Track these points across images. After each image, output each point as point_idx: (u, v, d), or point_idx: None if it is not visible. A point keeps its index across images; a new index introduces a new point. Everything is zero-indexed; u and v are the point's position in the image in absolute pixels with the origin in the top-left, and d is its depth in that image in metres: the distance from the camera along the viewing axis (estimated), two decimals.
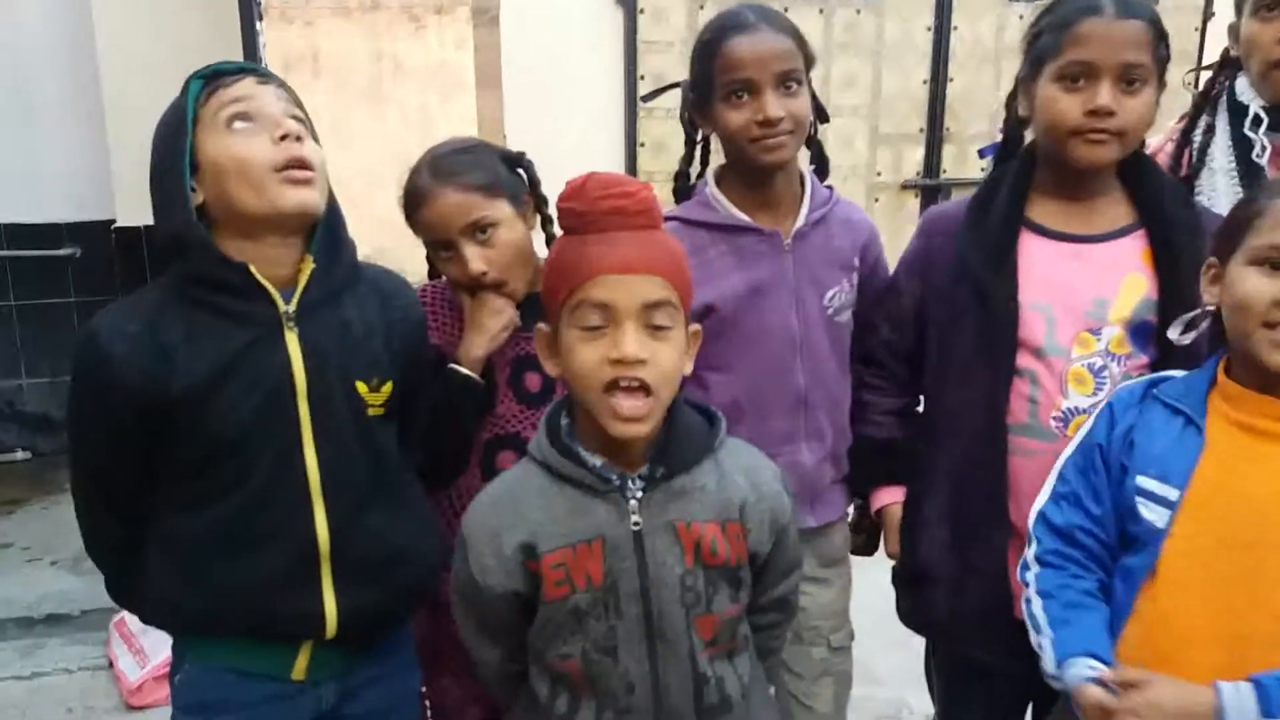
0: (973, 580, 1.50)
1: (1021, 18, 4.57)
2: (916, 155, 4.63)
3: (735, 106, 1.58)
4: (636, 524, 1.17)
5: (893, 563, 1.75)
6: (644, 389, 1.12)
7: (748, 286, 1.64)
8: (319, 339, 1.32)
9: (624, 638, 1.18)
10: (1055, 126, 1.43)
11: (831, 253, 1.70)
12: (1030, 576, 1.37)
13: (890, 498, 1.71)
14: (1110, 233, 1.48)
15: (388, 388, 1.39)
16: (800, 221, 1.68)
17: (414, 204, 1.59)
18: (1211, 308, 1.29)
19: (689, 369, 1.22)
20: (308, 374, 1.30)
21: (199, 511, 1.31)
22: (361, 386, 1.36)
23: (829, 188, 1.76)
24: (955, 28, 4.48)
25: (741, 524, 1.22)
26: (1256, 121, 1.57)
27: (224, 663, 1.35)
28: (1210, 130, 1.65)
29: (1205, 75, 1.76)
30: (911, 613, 1.70)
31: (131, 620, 2.88)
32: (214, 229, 1.30)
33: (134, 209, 4.17)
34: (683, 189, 1.79)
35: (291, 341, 1.30)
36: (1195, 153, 1.65)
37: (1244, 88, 1.62)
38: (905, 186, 4.60)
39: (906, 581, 1.69)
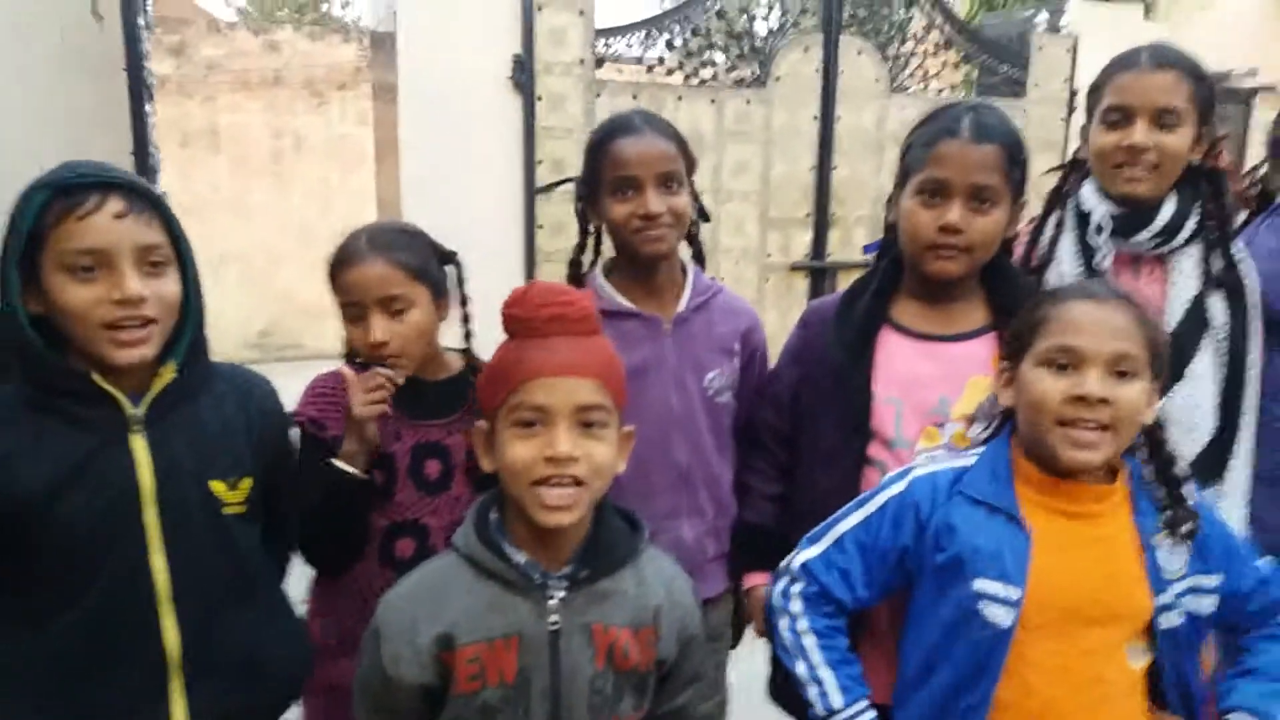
0: None
1: (903, 108, 4.86)
2: (805, 238, 4.82)
3: (620, 201, 1.69)
4: (554, 623, 1.19)
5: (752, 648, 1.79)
6: (574, 481, 1.16)
7: (629, 367, 1.69)
8: (170, 441, 1.30)
9: None
10: (912, 239, 1.54)
11: (712, 338, 1.80)
12: (796, 607, 1.41)
13: (759, 580, 1.74)
14: (965, 334, 1.57)
15: (247, 484, 1.37)
16: (681, 307, 1.78)
17: (341, 264, 1.60)
18: (1004, 407, 1.38)
19: (621, 467, 1.26)
20: (156, 477, 1.28)
21: (42, 627, 1.25)
22: (218, 485, 1.34)
23: (713, 278, 1.88)
24: (839, 117, 4.73)
25: (655, 630, 1.26)
26: (1100, 229, 1.68)
27: None
28: (1060, 225, 1.77)
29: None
30: (778, 691, 1.74)
31: None
32: (62, 330, 1.26)
33: None
34: (575, 276, 1.89)
35: (139, 445, 1.28)
36: (1046, 245, 1.77)
37: (1088, 195, 1.74)
38: (794, 268, 4.79)
39: (776, 660, 1.72)
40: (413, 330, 1.59)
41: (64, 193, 1.22)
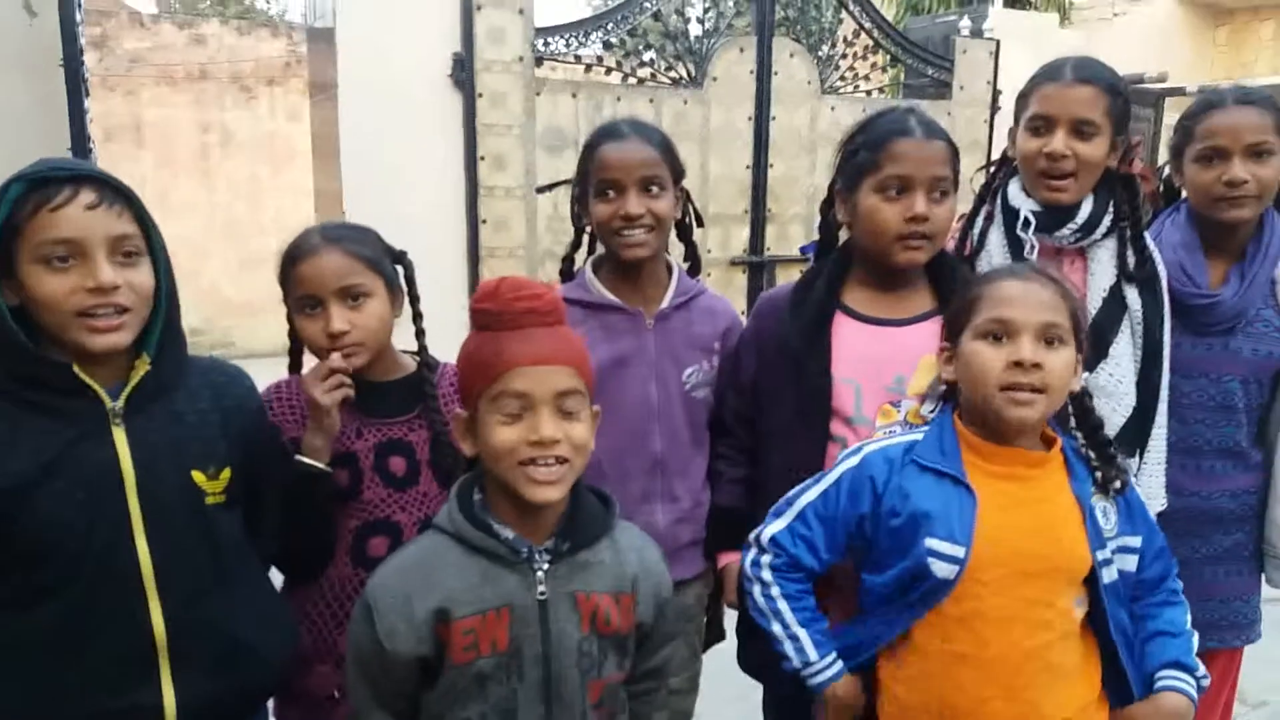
0: None
1: (833, 109, 5.01)
2: (743, 234, 4.94)
3: (604, 202, 1.81)
4: (542, 593, 1.27)
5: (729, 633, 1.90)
6: (558, 460, 1.24)
7: (611, 358, 1.83)
8: (149, 433, 1.33)
9: (523, 701, 1.27)
10: (880, 234, 1.64)
11: (692, 336, 1.90)
12: (767, 576, 1.54)
13: (732, 558, 1.84)
14: (913, 318, 1.69)
15: (226, 474, 1.40)
16: (664, 304, 1.88)
17: (295, 257, 1.62)
18: (948, 382, 1.51)
19: (591, 444, 1.33)
20: (137, 468, 1.30)
21: (23, 609, 1.27)
22: (198, 475, 1.37)
23: (699, 280, 2.00)
24: (774, 118, 4.86)
25: (633, 596, 1.34)
26: (1025, 224, 1.82)
27: None
28: (990, 218, 1.91)
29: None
30: (747, 659, 1.86)
31: None
32: (39, 323, 1.28)
33: None
34: (567, 271, 2.00)
35: (119, 437, 1.30)
36: (976, 237, 1.90)
37: (1015, 193, 1.88)
38: (733, 263, 4.90)
39: (744, 631, 1.85)
40: (373, 319, 1.62)
41: (37, 186, 1.24)
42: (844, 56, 5.19)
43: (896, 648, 1.48)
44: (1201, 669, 1.50)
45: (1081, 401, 1.48)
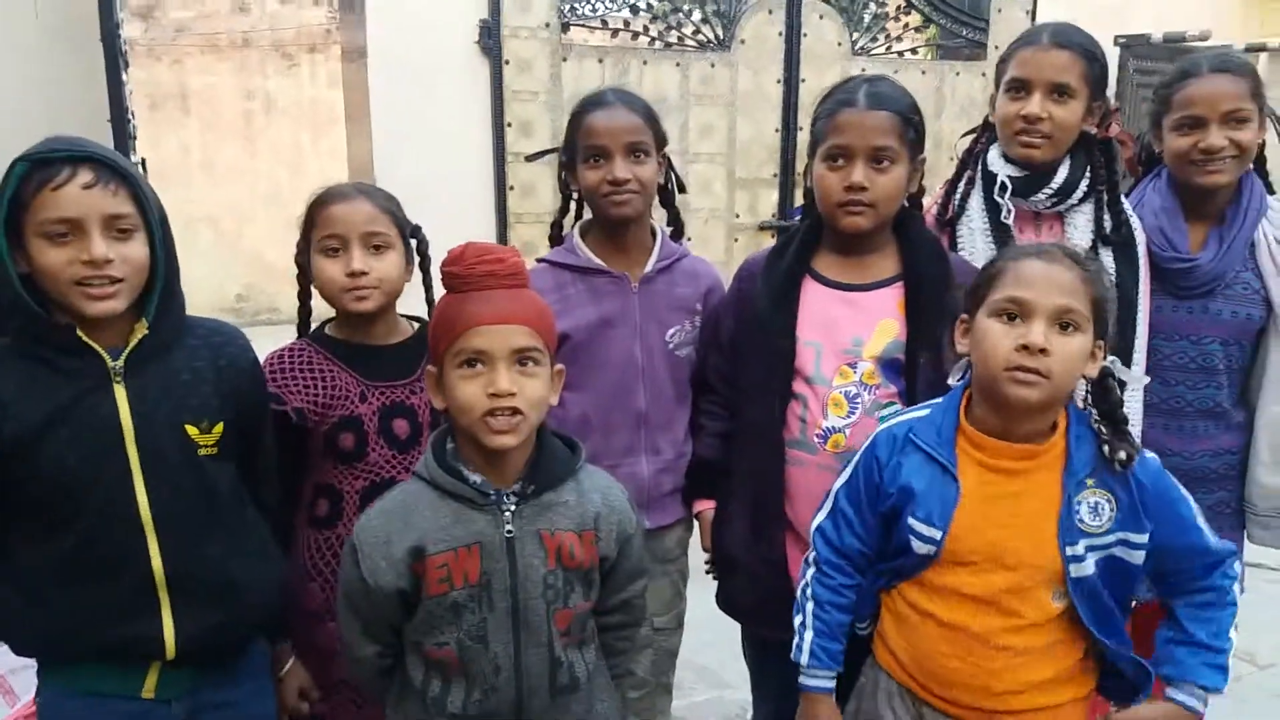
0: (763, 569, 1.74)
1: (864, 71, 4.97)
2: (771, 198, 4.95)
3: (591, 168, 1.90)
4: (509, 532, 1.38)
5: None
6: (514, 411, 1.35)
7: (598, 319, 1.94)
8: (147, 390, 1.45)
9: (493, 628, 1.38)
10: (824, 200, 1.73)
11: (675, 297, 2.00)
12: (810, 574, 1.63)
13: (706, 505, 2.01)
14: (875, 283, 1.76)
15: (219, 429, 1.52)
16: (648, 268, 1.97)
17: (326, 201, 1.73)
18: (965, 356, 1.53)
19: (555, 400, 1.44)
20: (135, 421, 1.44)
21: (38, 545, 1.43)
22: (191, 429, 1.49)
23: (683, 243, 2.09)
24: (804, 80, 4.83)
25: (595, 532, 1.45)
26: (1003, 188, 1.87)
27: (78, 686, 1.47)
28: (971, 182, 1.95)
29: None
30: (722, 599, 1.98)
31: (1, 659, 2.84)
32: (44, 289, 1.41)
33: None
34: (555, 237, 2.11)
35: (120, 394, 1.43)
36: (958, 200, 1.94)
37: (994, 158, 1.92)
38: (762, 227, 4.92)
39: (719, 573, 1.97)
40: (391, 268, 1.73)
41: (40, 166, 1.37)
42: (875, 18, 5.15)
43: (893, 589, 1.57)
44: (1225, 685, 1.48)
45: (1104, 383, 1.46)
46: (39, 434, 1.38)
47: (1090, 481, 1.43)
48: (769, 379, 1.77)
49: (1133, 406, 1.86)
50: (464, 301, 1.36)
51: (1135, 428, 1.86)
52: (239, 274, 9.03)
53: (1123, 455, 1.41)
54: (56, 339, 1.41)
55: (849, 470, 1.60)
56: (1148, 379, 1.88)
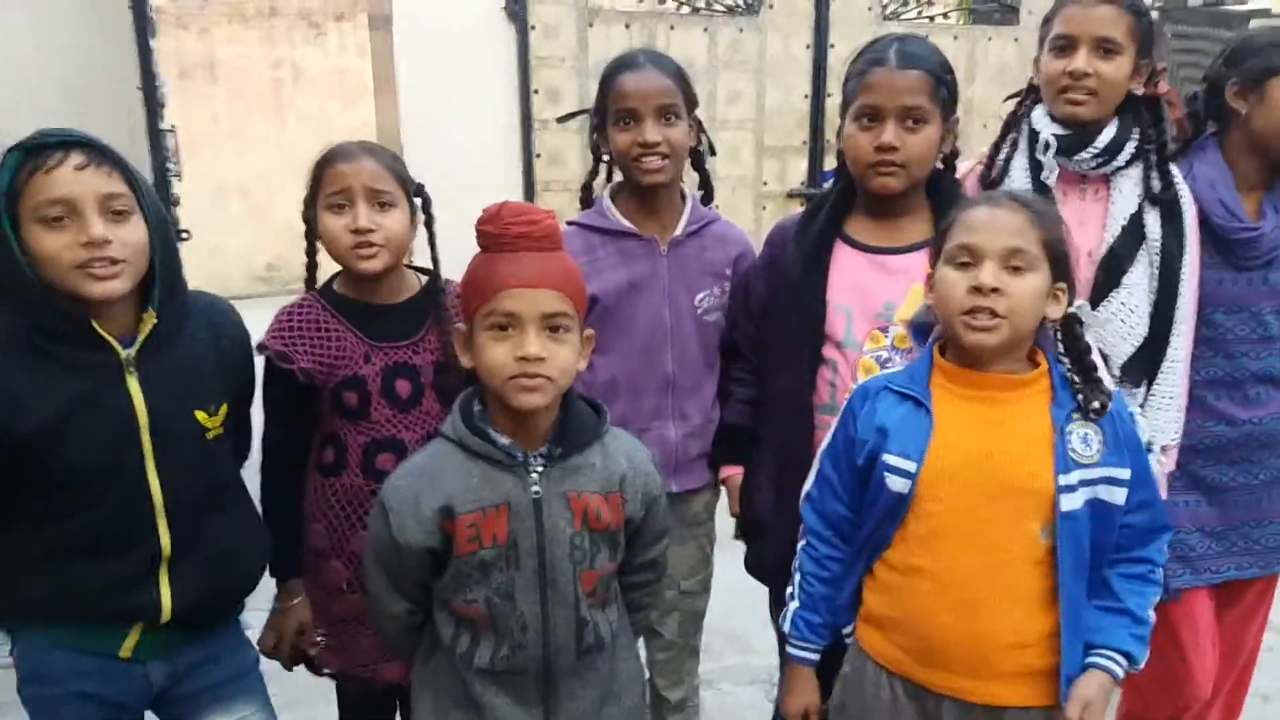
0: (791, 532, 1.73)
1: None
2: (800, 165, 4.91)
3: (622, 130, 1.88)
4: (537, 493, 1.38)
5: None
6: (542, 375, 1.35)
7: (627, 282, 1.93)
8: (160, 380, 1.48)
9: (521, 586, 1.40)
10: (854, 161, 1.70)
11: (704, 262, 1.98)
12: (801, 545, 1.64)
13: (734, 470, 1.99)
14: (908, 246, 1.72)
15: (223, 409, 1.57)
16: (678, 231, 1.96)
17: (331, 159, 1.72)
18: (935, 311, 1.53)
19: (583, 365, 1.44)
20: (150, 411, 1.47)
21: (62, 523, 1.47)
22: (201, 415, 1.53)
23: (713, 208, 2.07)
24: (833, 45, 4.77)
25: (621, 494, 1.45)
26: (1046, 147, 1.81)
27: (58, 641, 1.51)
28: (1015, 145, 1.90)
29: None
30: (751, 562, 1.98)
31: None
32: (45, 280, 1.40)
33: None
34: (586, 199, 2.09)
35: (134, 385, 1.46)
36: (1001, 164, 1.90)
37: (1039, 117, 1.86)
38: (791, 195, 4.88)
39: (747, 537, 1.97)
40: (397, 225, 1.72)
41: (32, 153, 1.38)
42: None
43: (874, 567, 1.56)
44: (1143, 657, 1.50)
45: (1070, 327, 1.49)
46: (57, 428, 1.41)
47: (1077, 415, 1.45)
48: (799, 343, 1.75)
49: (1167, 379, 1.82)
50: (496, 262, 1.36)
51: (1172, 400, 1.83)
52: (269, 243, 9.05)
53: (1096, 405, 1.44)
54: (68, 329, 1.42)
55: (830, 433, 1.60)
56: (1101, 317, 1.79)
